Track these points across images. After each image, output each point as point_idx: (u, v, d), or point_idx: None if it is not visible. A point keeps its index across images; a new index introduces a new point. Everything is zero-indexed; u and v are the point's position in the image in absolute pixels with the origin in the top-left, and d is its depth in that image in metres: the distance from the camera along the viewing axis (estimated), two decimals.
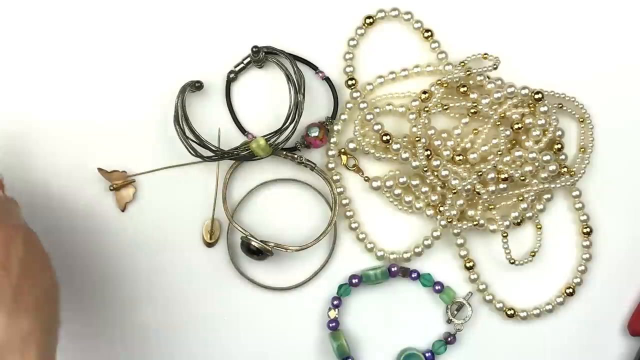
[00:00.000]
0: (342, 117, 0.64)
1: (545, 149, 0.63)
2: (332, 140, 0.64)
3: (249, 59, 0.65)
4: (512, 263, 0.63)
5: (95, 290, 0.64)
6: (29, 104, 0.65)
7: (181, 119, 0.62)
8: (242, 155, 0.61)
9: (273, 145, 0.61)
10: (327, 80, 0.65)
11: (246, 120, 0.65)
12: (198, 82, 0.64)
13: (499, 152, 0.62)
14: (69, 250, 0.64)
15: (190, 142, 0.61)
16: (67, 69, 0.65)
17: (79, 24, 0.65)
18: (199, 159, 0.62)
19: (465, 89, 0.63)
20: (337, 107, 0.65)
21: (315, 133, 0.63)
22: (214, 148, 0.61)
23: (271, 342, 0.64)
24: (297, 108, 0.61)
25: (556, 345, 0.65)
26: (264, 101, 0.65)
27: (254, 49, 0.63)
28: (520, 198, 0.63)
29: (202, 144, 0.61)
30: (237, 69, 0.65)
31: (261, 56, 0.63)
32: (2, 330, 0.46)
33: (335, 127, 0.64)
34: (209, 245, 0.64)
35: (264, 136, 0.61)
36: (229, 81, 0.65)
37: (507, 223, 0.63)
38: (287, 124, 0.61)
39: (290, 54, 0.63)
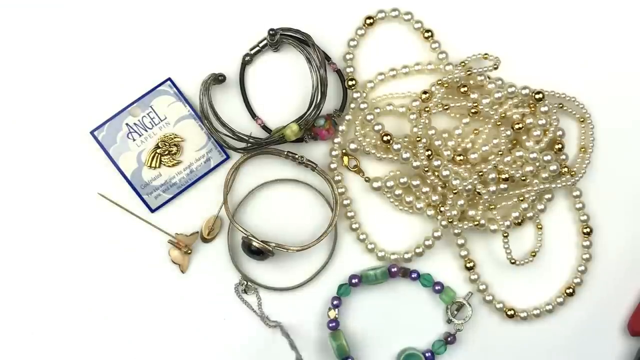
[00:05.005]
0: (347, 117, 0.64)
1: (546, 149, 0.63)
2: (337, 140, 0.64)
3: (265, 41, 0.64)
4: (513, 263, 0.63)
5: (95, 287, 0.64)
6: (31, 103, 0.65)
7: (208, 114, 0.61)
8: (273, 141, 0.62)
9: (303, 126, 0.61)
10: (338, 72, 0.65)
11: (262, 102, 0.65)
12: (221, 75, 0.63)
13: (500, 152, 0.62)
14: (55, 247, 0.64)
15: (221, 135, 0.62)
16: (82, 62, 0.65)
17: (93, 16, 0.65)
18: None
19: (465, 89, 0.63)
20: (346, 99, 0.65)
21: (321, 122, 0.63)
22: (251, 140, 0.61)
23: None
24: (321, 84, 0.61)
25: (556, 345, 0.65)
26: (279, 84, 0.65)
27: (270, 32, 0.62)
28: (521, 198, 0.63)
29: (237, 136, 0.61)
30: (252, 51, 0.65)
31: (277, 38, 0.63)
32: None
33: (340, 128, 0.64)
34: (205, 240, 0.64)
35: (296, 121, 0.61)
36: (244, 64, 0.65)
37: (507, 223, 0.63)
38: (314, 101, 0.61)
39: (307, 34, 0.63)
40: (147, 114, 0.63)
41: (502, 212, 0.64)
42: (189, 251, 0.64)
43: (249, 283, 0.64)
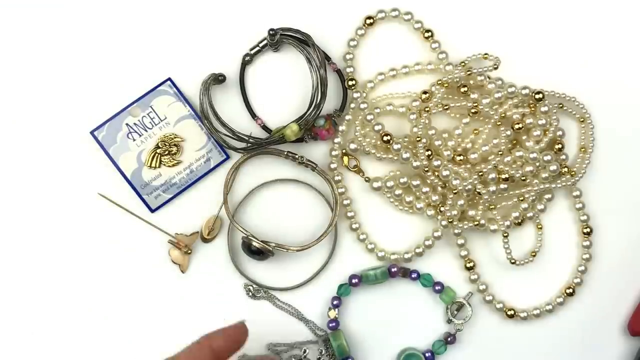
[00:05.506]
0: (347, 117, 0.64)
1: (545, 149, 0.63)
2: (337, 140, 0.64)
3: (265, 41, 0.64)
4: (513, 263, 0.63)
5: (95, 287, 0.64)
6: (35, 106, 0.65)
7: (208, 113, 0.61)
8: (273, 141, 0.62)
9: (303, 126, 0.61)
10: (338, 72, 0.65)
11: (262, 102, 0.65)
12: (221, 75, 0.64)
13: (500, 152, 0.62)
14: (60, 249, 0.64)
15: (221, 135, 0.62)
16: (82, 66, 0.65)
17: (92, 17, 0.65)
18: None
19: (465, 89, 0.63)
20: (346, 99, 0.65)
21: (321, 122, 0.63)
22: (251, 140, 0.61)
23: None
24: (321, 84, 0.61)
25: (556, 345, 0.65)
26: (279, 84, 0.65)
27: (270, 32, 0.62)
28: (521, 198, 0.63)
29: (237, 136, 0.61)
30: (252, 51, 0.65)
31: (277, 38, 0.63)
32: None
33: (340, 128, 0.64)
34: (205, 240, 0.64)
35: (296, 121, 0.61)
36: (244, 64, 0.65)
37: (507, 223, 0.63)
38: (314, 101, 0.61)
39: (307, 34, 0.63)
40: (147, 114, 0.63)
41: (502, 212, 0.64)
42: (189, 251, 0.64)
43: (254, 287, 0.64)
